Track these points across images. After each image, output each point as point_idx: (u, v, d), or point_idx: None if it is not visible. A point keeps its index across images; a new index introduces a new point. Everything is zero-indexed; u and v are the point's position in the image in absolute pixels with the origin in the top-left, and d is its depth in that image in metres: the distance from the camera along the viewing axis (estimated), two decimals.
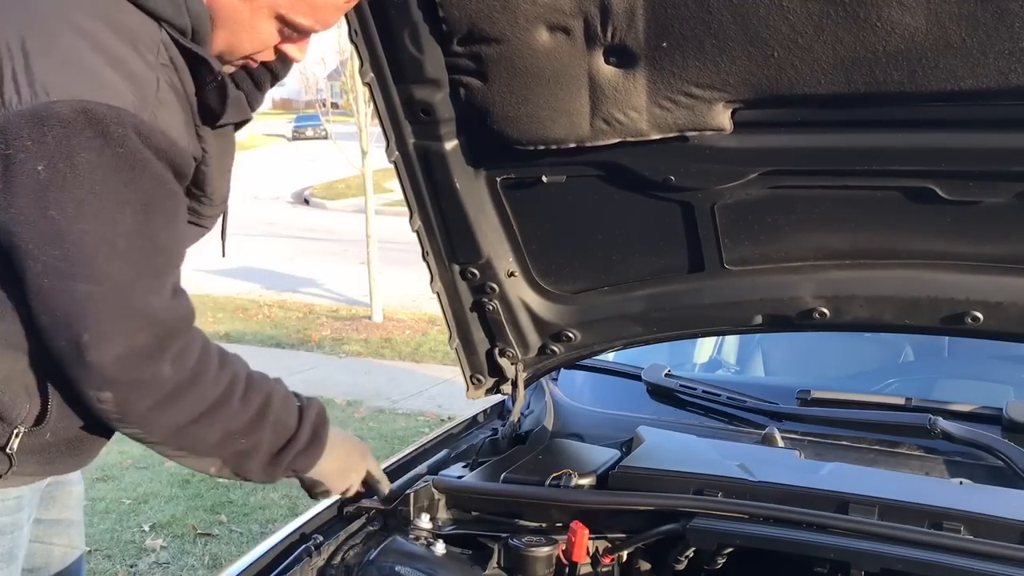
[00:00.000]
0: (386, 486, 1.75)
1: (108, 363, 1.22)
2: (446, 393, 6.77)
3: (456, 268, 1.91)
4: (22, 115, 1.14)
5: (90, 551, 3.90)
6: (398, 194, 2.00)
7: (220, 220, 1.55)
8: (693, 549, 1.65)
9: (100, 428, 1.47)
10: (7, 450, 1.38)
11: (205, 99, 1.34)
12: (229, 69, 1.41)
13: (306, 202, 21.25)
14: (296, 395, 1.53)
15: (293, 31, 1.38)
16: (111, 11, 1.22)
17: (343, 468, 1.62)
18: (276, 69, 1.51)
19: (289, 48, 1.41)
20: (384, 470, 1.99)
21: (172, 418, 1.31)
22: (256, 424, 1.41)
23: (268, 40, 1.38)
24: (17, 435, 1.38)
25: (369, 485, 1.72)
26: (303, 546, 1.66)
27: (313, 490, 1.62)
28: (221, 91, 1.33)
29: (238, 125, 1.48)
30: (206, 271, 10.58)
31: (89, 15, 1.20)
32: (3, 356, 1.33)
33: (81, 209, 1.17)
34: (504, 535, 1.69)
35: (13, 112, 1.14)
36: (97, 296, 1.20)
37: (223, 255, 1.61)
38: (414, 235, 1.88)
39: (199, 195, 1.41)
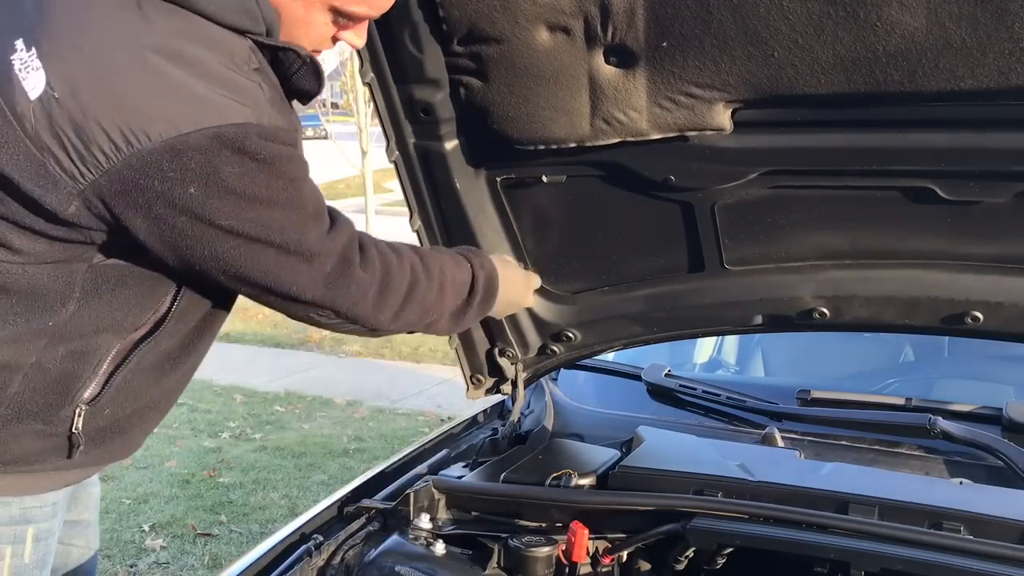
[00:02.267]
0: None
1: (319, 295, 1.43)
2: (446, 393, 6.77)
3: None
4: (156, 151, 1.20)
5: None
6: (398, 194, 2.01)
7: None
8: (693, 549, 1.65)
9: (152, 407, 1.55)
10: (72, 430, 1.44)
11: (296, 84, 1.41)
12: None
13: None
14: (464, 254, 1.73)
15: (348, 20, 1.41)
16: (204, 33, 1.27)
17: (515, 297, 1.86)
18: None
19: (347, 35, 1.44)
20: (384, 470, 2.01)
21: (389, 308, 1.53)
22: (441, 293, 1.63)
23: (324, 33, 1.41)
24: (80, 414, 1.43)
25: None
26: (303, 546, 1.66)
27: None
28: (315, 69, 1.41)
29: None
30: None
31: (188, 42, 1.25)
32: (80, 338, 1.38)
33: (241, 206, 1.28)
34: (504, 535, 1.69)
35: (146, 151, 1.20)
36: (284, 260, 1.36)
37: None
38: (414, 235, 1.88)
39: None
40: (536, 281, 1.92)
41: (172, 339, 1.49)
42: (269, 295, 1.42)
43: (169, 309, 1.45)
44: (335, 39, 1.45)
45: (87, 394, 1.43)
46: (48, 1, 1.25)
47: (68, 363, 1.39)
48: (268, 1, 1.33)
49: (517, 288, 1.84)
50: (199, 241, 1.29)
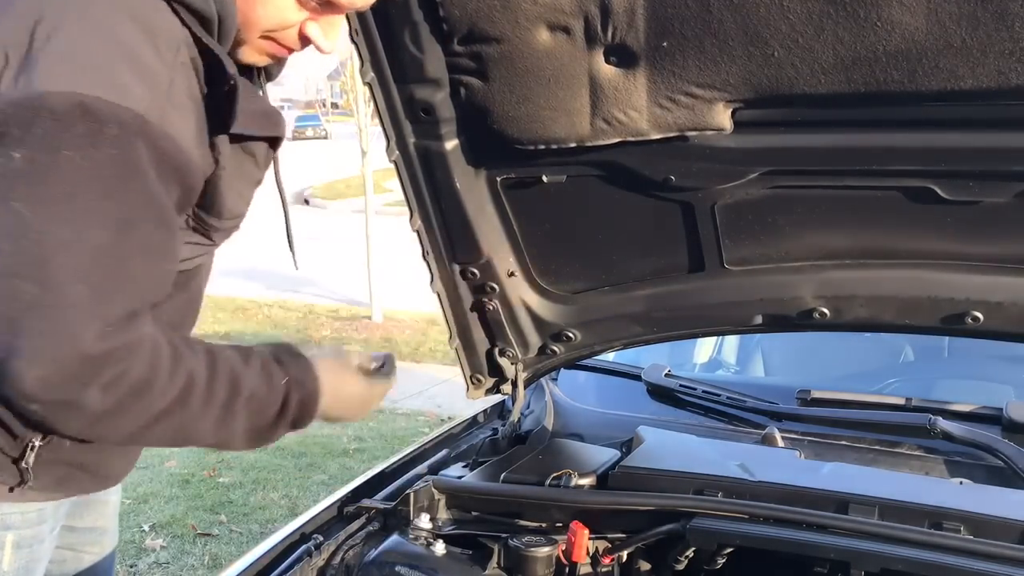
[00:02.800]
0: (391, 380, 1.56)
1: (31, 380, 1.07)
2: (446, 393, 6.76)
3: (456, 268, 1.91)
4: (15, 102, 1.06)
5: None
6: (398, 194, 1.99)
7: (285, 230, 1.49)
8: (693, 549, 1.65)
9: (119, 453, 1.44)
10: (22, 464, 1.33)
11: (218, 105, 1.23)
12: (257, 58, 1.31)
13: (306, 202, 21.23)
14: (278, 359, 1.36)
15: (316, 5, 1.27)
16: (133, 2, 1.14)
17: (344, 413, 1.48)
18: (270, 68, 1.44)
19: (312, 30, 1.28)
20: (384, 470, 2.00)
21: (120, 427, 1.19)
22: (226, 416, 1.27)
23: (287, 16, 1.26)
24: (32, 448, 1.33)
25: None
26: (303, 546, 1.66)
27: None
28: (231, 96, 1.23)
29: (272, 143, 1.38)
30: None
31: (111, 7, 1.12)
32: None
33: (49, 209, 1.06)
34: (504, 535, 1.69)
35: (7, 99, 1.06)
36: (40, 303, 1.06)
37: (296, 267, 1.52)
38: (414, 235, 1.88)
39: (207, 210, 1.32)
40: (383, 390, 1.54)
41: None
42: None
43: None
44: (302, 36, 1.29)
45: (33, 431, 1.29)
46: None
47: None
48: None
49: (348, 404, 1.47)
50: None
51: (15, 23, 1.11)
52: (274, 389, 1.33)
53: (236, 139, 1.30)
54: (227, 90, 1.22)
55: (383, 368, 1.53)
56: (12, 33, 1.10)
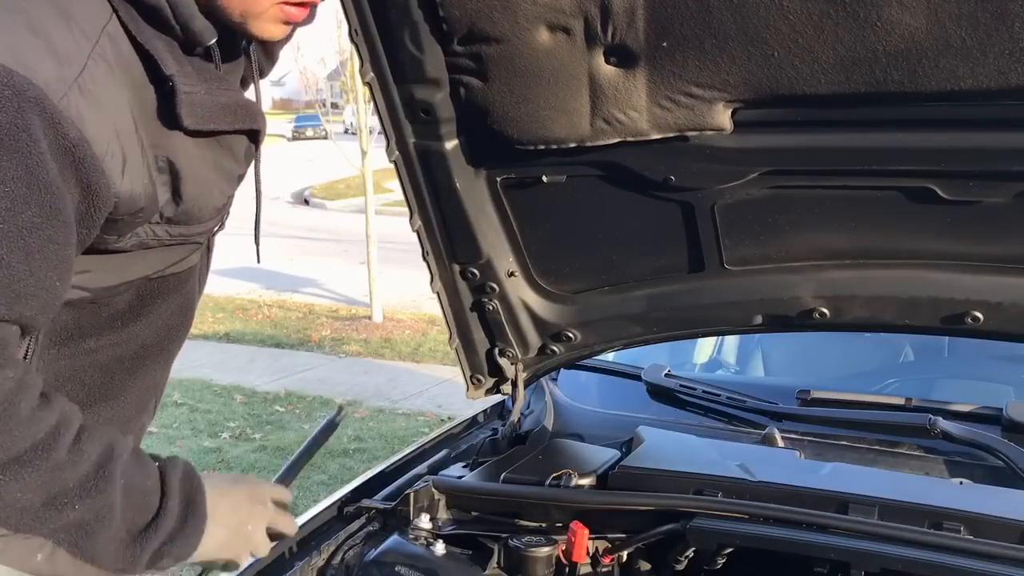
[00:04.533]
0: (290, 522, 1.40)
1: None
2: (446, 393, 6.77)
3: (456, 268, 1.91)
4: None
5: None
6: (398, 194, 1.99)
7: (254, 225, 1.40)
8: (693, 549, 1.65)
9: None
10: None
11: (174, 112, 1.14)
12: (273, 29, 1.21)
13: (306, 202, 21.24)
14: (154, 456, 1.22)
15: None
16: None
17: (236, 533, 1.26)
18: (262, 64, 1.40)
19: (290, 10, 1.18)
20: (384, 470, 2.00)
21: None
22: (96, 484, 1.07)
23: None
24: None
25: (272, 533, 1.35)
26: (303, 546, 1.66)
27: (211, 568, 1.33)
28: (170, 95, 1.13)
29: (251, 136, 1.32)
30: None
31: None
32: None
33: None
34: (504, 535, 1.69)
35: None
36: None
37: (258, 260, 1.47)
38: (414, 235, 1.88)
39: (175, 207, 1.22)
40: (256, 489, 1.34)
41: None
42: None
43: (25, 354, 1.13)
44: (285, 18, 1.19)
45: None
46: None
47: None
48: None
49: (232, 497, 1.29)
50: None
51: None
52: (150, 472, 1.18)
53: (205, 134, 1.22)
54: (168, 90, 1.13)
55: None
56: None
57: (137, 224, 1.18)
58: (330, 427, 1.65)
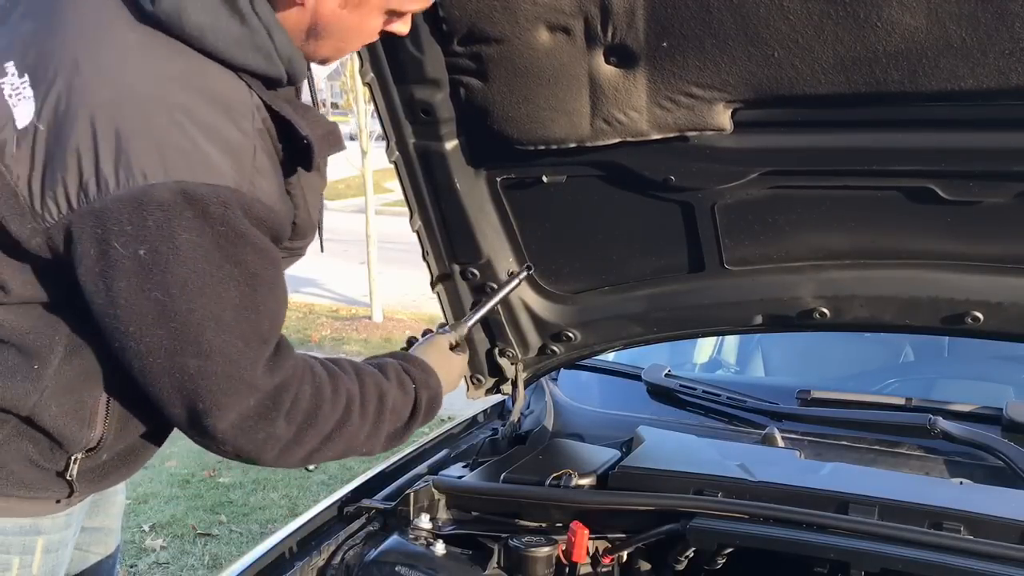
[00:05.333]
0: (466, 351, 1.84)
1: (225, 430, 1.26)
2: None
3: (456, 268, 1.91)
4: (120, 200, 1.14)
5: None
6: (398, 194, 2.00)
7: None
8: (693, 549, 1.65)
9: (151, 439, 1.50)
10: (67, 476, 1.39)
11: (294, 156, 1.32)
12: (332, 56, 1.39)
13: None
14: (411, 373, 1.57)
15: (399, 17, 1.36)
16: (205, 80, 1.20)
17: (448, 383, 1.70)
18: None
19: (396, 27, 1.38)
20: (384, 470, 2.01)
21: (298, 454, 1.37)
22: (376, 426, 1.47)
23: (374, 34, 1.37)
24: (75, 461, 1.38)
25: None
26: (303, 547, 1.66)
27: None
28: (307, 153, 1.31)
29: None
30: None
31: (184, 87, 1.18)
32: (71, 393, 1.33)
33: (186, 289, 1.17)
34: (504, 535, 1.69)
35: (111, 197, 1.14)
36: (207, 370, 1.21)
37: (321, 250, 1.60)
38: (414, 235, 1.88)
39: (292, 237, 1.40)
40: (465, 360, 1.83)
41: None
42: (162, 405, 1.26)
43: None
44: (383, 32, 1.39)
45: (82, 446, 1.37)
46: (46, 27, 1.21)
47: (60, 423, 1.32)
48: (284, 37, 1.25)
49: (454, 381, 1.75)
50: (129, 314, 1.18)
51: (94, 116, 1.15)
52: (408, 395, 1.54)
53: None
54: (304, 146, 1.30)
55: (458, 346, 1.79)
56: (94, 128, 1.14)
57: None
58: (512, 279, 1.89)
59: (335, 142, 1.40)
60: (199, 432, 1.28)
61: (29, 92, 1.18)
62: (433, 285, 1.95)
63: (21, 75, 1.18)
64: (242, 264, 1.21)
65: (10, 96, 1.18)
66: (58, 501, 1.44)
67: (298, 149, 1.31)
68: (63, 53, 1.18)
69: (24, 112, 1.17)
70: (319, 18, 1.29)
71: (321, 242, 1.55)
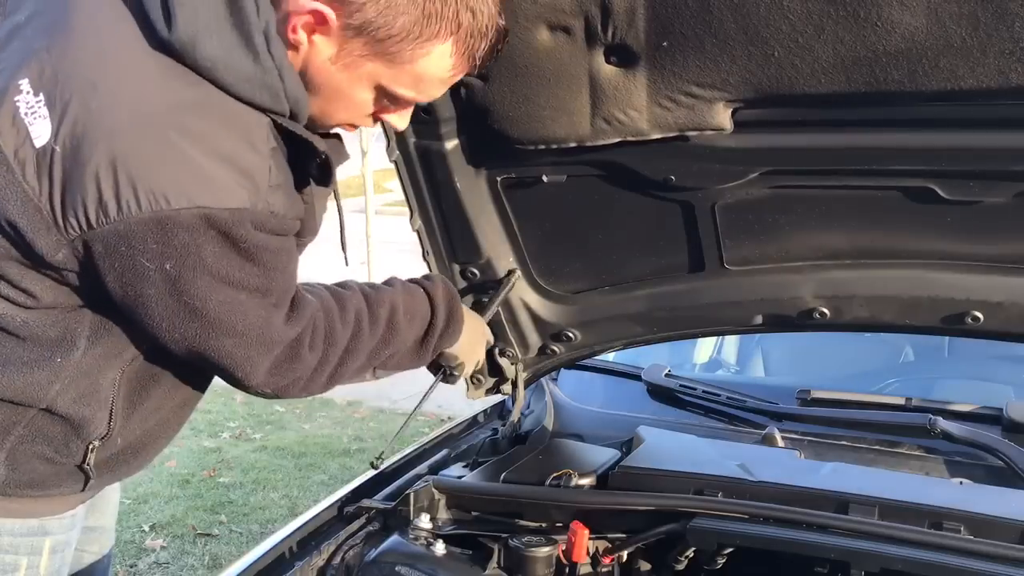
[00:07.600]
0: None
1: (264, 379, 1.40)
2: (446, 393, 6.75)
3: (456, 268, 1.91)
4: (144, 222, 1.18)
5: None
6: (398, 194, 2.01)
7: (339, 232, 1.64)
8: (693, 549, 1.65)
9: (162, 429, 1.55)
10: (85, 465, 1.43)
11: (308, 171, 1.38)
12: (331, 127, 1.44)
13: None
14: (418, 281, 1.70)
15: (392, 102, 1.38)
16: (222, 108, 1.23)
17: (472, 340, 1.82)
18: None
19: (390, 118, 1.43)
20: (384, 470, 2.01)
21: (323, 377, 1.49)
22: (391, 334, 1.58)
23: (364, 109, 1.39)
24: (92, 450, 1.42)
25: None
26: (303, 546, 1.66)
27: (450, 370, 1.82)
28: (326, 168, 1.38)
29: None
30: None
31: (201, 116, 1.21)
32: (87, 376, 1.36)
33: (212, 287, 1.26)
34: (504, 535, 1.69)
35: (134, 220, 1.18)
36: (241, 344, 1.34)
37: (346, 264, 1.65)
38: (414, 235, 1.88)
39: (299, 236, 1.45)
40: (487, 330, 1.91)
41: (171, 356, 1.44)
42: (216, 371, 1.41)
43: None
44: (376, 117, 1.42)
45: (99, 431, 1.42)
46: (61, 45, 1.20)
47: (78, 407, 1.37)
48: (294, 79, 1.28)
49: (473, 330, 1.81)
50: (161, 312, 1.27)
51: (113, 140, 1.17)
52: (415, 296, 1.66)
53: None
54: (320, 162, 1.36)
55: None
56: (113, 153, 1.17)
57: None
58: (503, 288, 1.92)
59: (342, 151, 1.46)
60: (237, 386, 1.42)
61: (45, 112, 1.17)
62: None
63: (36, 94, 1.18)
64: (260, 262, 1.30)
65: (26, 115, 1.18)
66: (72, 495, 1.47)
67: (310, 161, 1.36)
68: (79, 74, 1.18)
69: (41, 131, 1.17)
70: (309, 67, 1.30)
71: (346, 257, 1.61)
